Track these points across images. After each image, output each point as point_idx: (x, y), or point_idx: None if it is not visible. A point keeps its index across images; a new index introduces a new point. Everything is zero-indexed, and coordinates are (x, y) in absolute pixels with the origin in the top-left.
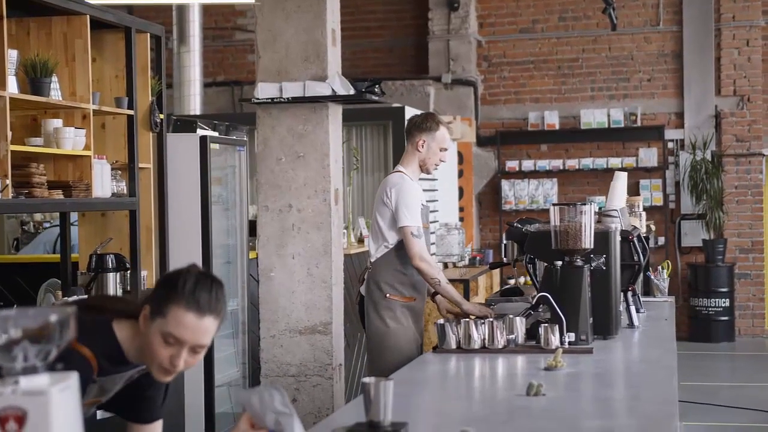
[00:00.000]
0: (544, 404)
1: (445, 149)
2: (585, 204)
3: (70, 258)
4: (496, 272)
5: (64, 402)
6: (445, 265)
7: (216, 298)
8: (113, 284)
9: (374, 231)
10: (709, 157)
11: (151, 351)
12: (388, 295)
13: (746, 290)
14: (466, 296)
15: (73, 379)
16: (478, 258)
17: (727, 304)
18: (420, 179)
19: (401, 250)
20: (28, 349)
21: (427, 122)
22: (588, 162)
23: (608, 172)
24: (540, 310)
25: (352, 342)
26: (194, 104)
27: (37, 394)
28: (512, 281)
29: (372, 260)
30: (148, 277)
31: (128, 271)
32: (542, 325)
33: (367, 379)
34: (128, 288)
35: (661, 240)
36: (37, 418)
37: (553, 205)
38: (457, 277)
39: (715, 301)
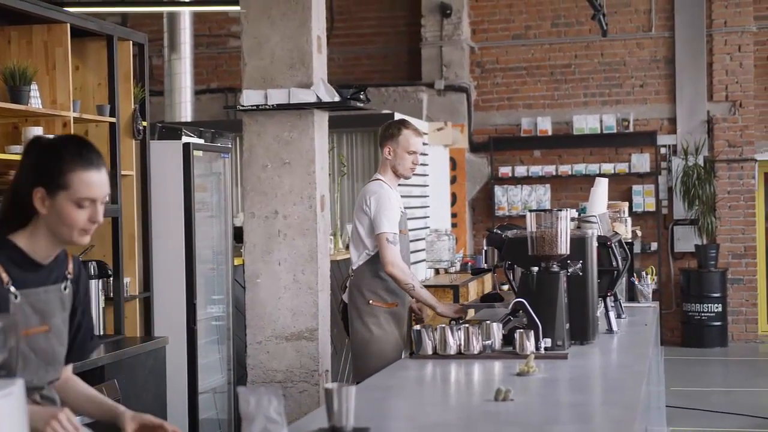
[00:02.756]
0: (511, 409)
1: (413, 152)
2: (561, 210)
3: None
4: (488, 278)
5: (9, 407)
6: (436, 271)
7: (96, 150)
8: (95, 291)
9: (355, 239)
10: (701, 162)
11: (66, 222)
12: (371, 301)
13: (739, 295)
14: (456, 302)
15: (17, 386)
16: (470, 264)
17: (720, 309)
18: (408, 185)
19: None
20: None
21: (389, 129)
22: (581, 168)
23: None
24: (518, 315)
25: (339, 348)
26: (185, 111)
27: None
28: (506, 287)
29: (353, 267)
30: (131, 284)
31: (110, 278)
32: (518, 330)
33: (329, 385)
34: (111, 295)
35: (654, 245)
36: None
37: (530, 211)
38: (447, 283)
39: (708, 307)
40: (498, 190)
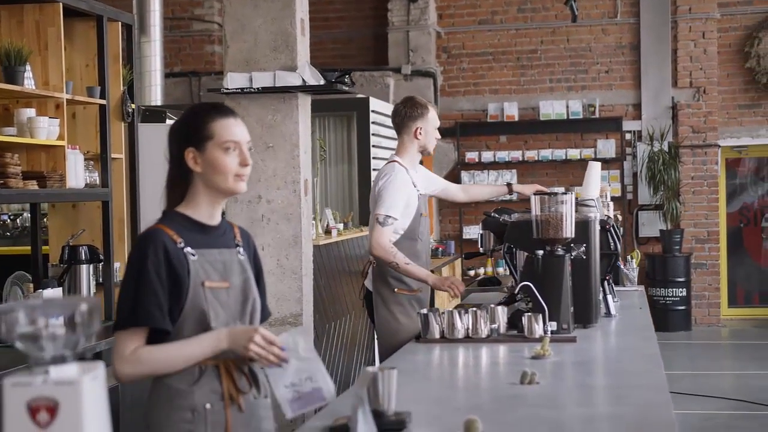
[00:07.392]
0: (540, 392)
1: (438, 126)
2: (566, 193)
3: (40, 250)
4: (458, 263)
5: (95, 391)
6: None
7: (225, 105)
8: (86, 276)
9: (372, 224)
10: (666, 148)
11: (220, 170)
12: (396, 289)
13: (702, 280)
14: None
15: (100, 369)
16: (440, 249)
17: (684, 293)
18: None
19: (405, 242)
20: (57, 339)
21: (417, 109)
22: (547, 153)
23: (567, 163)
24: (519, 299)
25: (321, 333)
26: (155, 95)
27: (68, 383)
28: (472, 272)
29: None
30: (121, 268)
31: (101, 263)
32: (526, 314)
33: (371, 368)
34: (101, 280)
35: (620, 230)
36: (68, 407)
37: (535, 194)
38: None
39: (672, 291)
40: (465, 176)
